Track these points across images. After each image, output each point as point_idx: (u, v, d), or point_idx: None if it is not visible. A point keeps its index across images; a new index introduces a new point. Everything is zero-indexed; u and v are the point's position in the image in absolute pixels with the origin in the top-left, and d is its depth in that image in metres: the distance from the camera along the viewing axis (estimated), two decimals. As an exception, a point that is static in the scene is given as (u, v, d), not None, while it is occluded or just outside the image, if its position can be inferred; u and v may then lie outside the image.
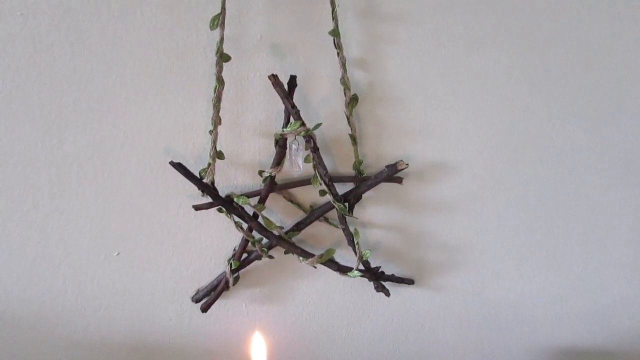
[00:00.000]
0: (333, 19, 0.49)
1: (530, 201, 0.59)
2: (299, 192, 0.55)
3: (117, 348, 0.57)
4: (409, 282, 0.59)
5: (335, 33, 0.49)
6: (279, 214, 0.55)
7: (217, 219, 0.53)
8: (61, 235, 0.52)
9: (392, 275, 0.58)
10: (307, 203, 0.55)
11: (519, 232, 0.60)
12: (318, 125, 0.50)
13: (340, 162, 0.54)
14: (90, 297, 0.54)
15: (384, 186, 0.54)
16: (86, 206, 0.51)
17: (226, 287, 0.55)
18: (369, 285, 0.57)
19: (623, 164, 0.59)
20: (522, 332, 0.64)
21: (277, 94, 0.49)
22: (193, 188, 0.50)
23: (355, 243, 0.53)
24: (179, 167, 0.49)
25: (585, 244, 0.62)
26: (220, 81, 0.48)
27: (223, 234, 0.55)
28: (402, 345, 0.62)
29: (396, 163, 0.52)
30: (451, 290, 0.61)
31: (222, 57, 0.48)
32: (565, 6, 0.53)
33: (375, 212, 0.57)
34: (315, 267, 0.55)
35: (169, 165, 0.48)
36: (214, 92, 0.48)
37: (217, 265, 0.55)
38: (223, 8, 0.46)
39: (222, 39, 0.47)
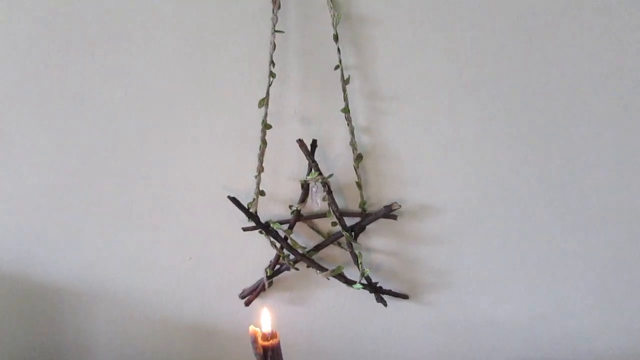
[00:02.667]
0: (344, 99, 0.68)
1: (505, 234, 0.73)
2: (319, 222, 0.74)
3: (185, 330, 0.78)
4: (404, 296, 0.76)
5: (346, 110, 0.68)
6: (303, 237, 0.74)
7: (259, 238, 0.73)
8: (153, 243, 0.75)
9: (390, 290, 0.74)
10: (325, 231, 0.74)
11: (495, 260, 0.74)
12: (330, 175, 0.69)
13: (349, 201, 0.72)
14: (170, 290, 0.77)
15: (383, 221, 0.72)
16: (169, 226, 0.74)
17: (263, 289, 0.75)
18: (371, 297, 0.74)
19: (596, 203, 0.72)
20: (499, 346, 0.78)
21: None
22: (242, 215, 0.71)
23: (359, 263, 0.71)
24: (234, 200, 0.70)
25: (554, 273, 0.74)
26: (264, 142, 0.69)
27: (262, 250, 0.74)
28: (398, 347, 0.78)
29: (391, 204, 0.69)
30: (439, 307, 0.77)
31: (266, 126, 0.68)
32: (548, 56, 0.68)
33: (376, 240, 0.74)
34: (329, 279, 0.73)
35: (227, 198, 0.70)
36: (259, 149, 0.69)
37: (257, 273, 0.75)
38: (267, 93, 0.67)
39: (266, 114, 0.68)
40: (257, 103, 0.68)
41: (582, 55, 0.67)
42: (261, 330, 0.51)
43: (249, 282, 0.76)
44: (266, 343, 0.50)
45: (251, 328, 0.51)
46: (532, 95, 0.68)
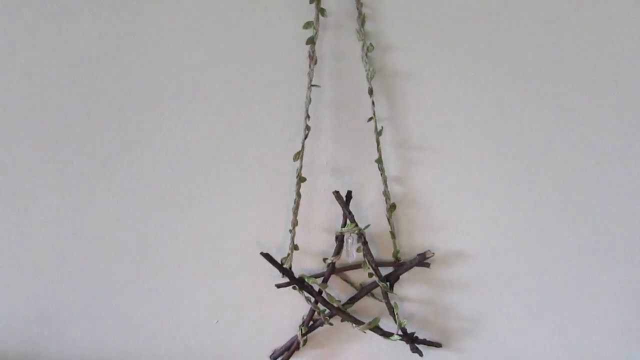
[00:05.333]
0: (378, 150, 0.69)
1: (533, 279, 0.75)
2: (350, 274, 0.73)
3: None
4: (438, 345, 0.75)
5: (379, 161, 0.69)
6: (336, 290, 0.73)
7: (287, 296, 0.71)
8: (178, 308, 0.71)
9: (425, 339, 0.74)
10: (357, 282, 0.73)
11: (524, 305, 0.76)
12: (367, 226, 0.69)
13: (382, 251, 0.72)
14: (194, 352, 0.72)
15: (416, 269, 0.72)
16: (198, 283, 0.70)
17: (297, 347, 0.72)
18: (405, 348, 0.73)
19: (618, 245, 0.75)
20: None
21: (336, 203, 0.68)
22: (273, 271, 0.69)
23: (396, 314, 0.70)
24: (267, 256, 0.68)
25: (579, 314, 0.77)
26: (298, 195, 0.68)
27: (291, 308, 0.72)
28: None
29: (425, 252, 0.70)
30: (470, 352, 0.77)
31: (301, 179, 0.68)
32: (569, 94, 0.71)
33: (410, 289, 0.74)
34: (365, 332, 0.72)
35: (260, 255, 0.67)
36: (294, 203, 0.68)
37: (288, 331, 0.73)
38: (303, 146, 0.67)
39: (301, 167, 0.67)
40: (288, 156, 0.68)
41: (613, 104, 0.72)
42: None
43: (279, 343, 0.73)
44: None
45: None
46: (555, 143, 0.71)
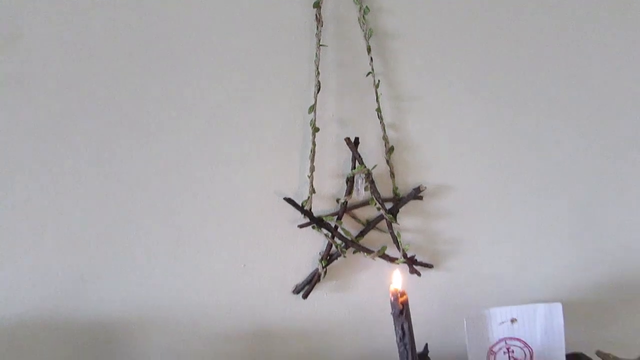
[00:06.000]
0: (377, 101, 0.79)
1: (502, 206, 0.90)
2: (358, 212, 0.83)
3: (243, 336, 0.81)
4: (430, 266, 0.88)
5: (378, 110, 0.79)
6: (347, 227, 0.83)
7: (307, 235, 0.80)
8: (205, 258, 0.77)
9: (421, 261, 0.87)
10: (363, 219, 0.84)
11: (495, 227, 0.91)
12: (375, 166, 0.79)
13: (383, 189, 0.83)
14: (225, 301, 0.79)
15: (411, 203, 0.84)
16: (222, 233, 0.77)
17: (318, 279, 0.81)
18: (404, 272, 0.85)
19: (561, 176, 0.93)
20: (496, 294, 0.94)
21: (344, 149, 0.78)
22: (292, 215, 0.78)
23: (399, 241, 0.82)
24: (290, 201, 0.76)
25: (536, 235, 0.94)
26: (314, 144, 0.77)
27: (310, 246, 0.81)
28: (425, 306, 0.90)
29: (419, 187, 0.82)
30: (456, 271, 0.91)
31: (315, 129, 0.76)
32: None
33: (406, 221, 0.86)
34: (374, 260, 0.83)
35: (279, 202, 0.76)
36: (310, 151, 0.76)
37: (307, 268, 0.82)
38: (315, 99, 0.76)
39: (314, 119, 0.76)
40: (299, 110, 0.76)
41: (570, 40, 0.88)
42: (397, 290, 0.59)
43: (300, 279, 0.82)
44: (402, 299, 0.58)
45: (392, 288, 0.59)
46: (529, 96, 0.86)
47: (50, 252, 0.71)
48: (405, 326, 0.60)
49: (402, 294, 0.59)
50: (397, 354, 0.88)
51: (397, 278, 0.61)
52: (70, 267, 0.72)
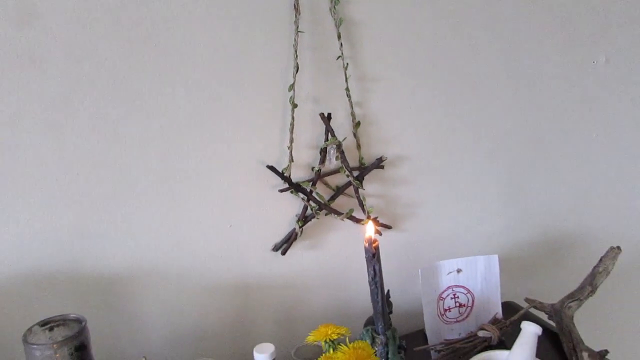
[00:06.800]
0: (346, 82, 0.91)
1: (451, 174, 1.05)
2: (329, 179, 0.95)
3: (227, 286, 0.91)
4: (389, 227, 1.02)
5: (347, 89, 0.91)
6: (320, 191, 0.94)
7: (286, 199, 0.91)
8: (196, 218, 0.86)
9: (382, 223, 1.00)
10: (333, 185, 0.96)
11: (446, 193, 1.06)
12: (345, 138, 0.91)
13: (350, 159, 0.95)
14: (212, 253, 0.89)
15: (374, 171, 0.97)
16: (212, 196, 0.87)
17: (295, 238, 0.92)
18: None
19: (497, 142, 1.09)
20: (445, 252, 1.10)
21: (318, 123, 0.90)
22: (273, 180, 0.88)
23: (364, 204, 0.95)
24: (272, 168, 0.87)
25: (475, 197, 1.10)
26: (293, 118, 0.87)
27: (288, 208, 0.93)
28: (390, 260, 1.03)
29: (381, 157, 0.95)
30: (409, 231, 1.05)
31: (294, 105, 0.87)
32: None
33: (370, 187, 0.99)
34: (343, 221, 0.95)
35: (263, 169, 0.86)
36: (290, 125, 0.87)
37: (285, 228, 0.93)
38: (294, 79, 0.86)
39: (293, 97, 0.87)
40: (278, 89, 0.87)
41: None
42: (371, 237, 0.72)
43: (278, 238, 0.93)
44: (375, 244, 0.71)
45: (366, 235, 0.72)
46: (472, 80, 1.01)
47: (54, 211, 0.77)
48: (377, 267, 0.73)
49: (375, 240, 0.72)
50: (361, 304, 1.02)
51: (371, 228, 0.73)
52: (72, 225, 0.79)
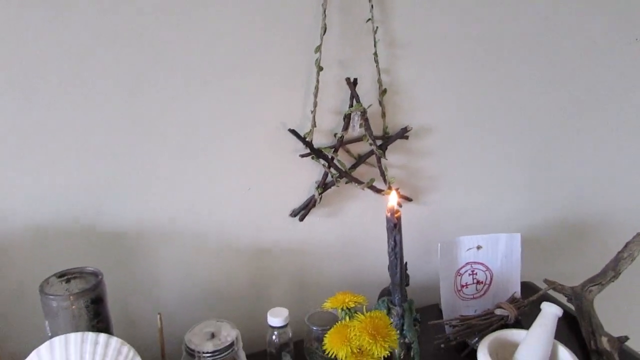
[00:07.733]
0: (374, 46, 0.88)
1: (477, 149, 1.02)
2: (352, 147, 0.93)
3: (243, 249, 0.90)
4: (410, 199, 1.00)
5: (375, 54, 0.88)
6: (341, 159, 0.92)
7: (306, 165, 0.89)
8: (216, 179, 0.85)
9: (403, 194, 0.98)
10: (356, 153, 0.93)
11: (471, 169, 1.03)
12: (370, 105, 0.89)
13: (374, 128, 0.92)
14: (229, 215, 0.88)
15: (398, 142, 0.94)
16: (231, 157, 0.85)
17: (314, 205, 0.91)
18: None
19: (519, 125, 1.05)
20: (466, 226, 1.08)
21: (344, 88, 0.87)
22: (294, 146, 0.86)
23: (386, 174, 0.93)
24: (294, 132, 0.85)
25: (503, 174, 1.07)
26: (317, 82, 0.85)
27: (308, 174, 0.91)
28: (410, 232, 1.00)
29: (406, 127, 0.92)
30: (432, 204, 1.03)
31: (319, 68, 0.84)
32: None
33: (393, 157, 0.96)
34: (364, 190, 0.93)
35: (284, 133, 0.84)
36: (315, 89, 0.84)
37: (305, 194, 0.91)
38: (321, 40, 0.83)
39: (319, 59, 0.84)
40: (305, 51, 0.84)
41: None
42: (393, 207, 0.70)
43: (296, 204, 0.92)
44: (397, 214, 0.69)
45: (389, 205, 0.70)
46: (505, 56, 0.97)
47: (73, 164, 0.76)
48: (398, 238, 0.71)
49: (397, 211, 0.70)
50: (376, 275, 1.01)
51: (394, 198, 0.71)
52: (91, 179, 0.78)
